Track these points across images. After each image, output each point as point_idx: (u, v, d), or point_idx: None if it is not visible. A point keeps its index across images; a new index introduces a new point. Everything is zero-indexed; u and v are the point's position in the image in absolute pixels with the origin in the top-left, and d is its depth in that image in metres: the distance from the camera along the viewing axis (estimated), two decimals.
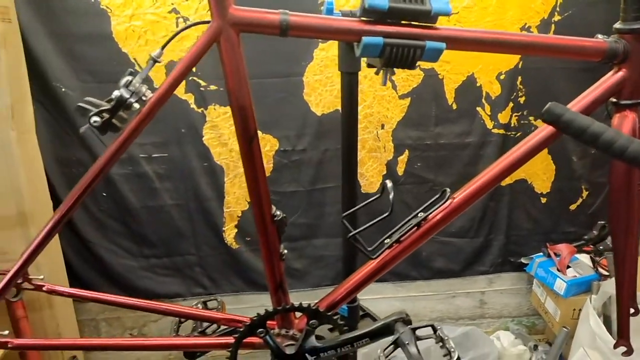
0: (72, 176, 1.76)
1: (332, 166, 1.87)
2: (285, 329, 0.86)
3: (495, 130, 1.86)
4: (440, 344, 0.74)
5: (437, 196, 0.87)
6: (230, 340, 0.83)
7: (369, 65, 0.81)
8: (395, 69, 0.79)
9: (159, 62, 0.77)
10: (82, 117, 0.74)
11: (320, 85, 1.76)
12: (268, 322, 0.82)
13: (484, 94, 1.82)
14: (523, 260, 2.00)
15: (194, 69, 1.56)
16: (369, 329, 0.80)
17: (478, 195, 0.84)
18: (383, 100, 1.79)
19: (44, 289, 1.00)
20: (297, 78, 1.76)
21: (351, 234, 0.82)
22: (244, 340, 0.82)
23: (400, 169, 1.89)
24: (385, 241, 0.84)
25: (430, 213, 0.84)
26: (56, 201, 1.73)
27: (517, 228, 2.00)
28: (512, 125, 1.87)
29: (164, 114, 1.68)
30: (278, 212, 0.82)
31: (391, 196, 0.83)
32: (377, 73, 0.75)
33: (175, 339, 0.91)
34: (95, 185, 0.83)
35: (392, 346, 0.75)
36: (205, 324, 1.02)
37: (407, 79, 1.78)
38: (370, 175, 1.89)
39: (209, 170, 1.83)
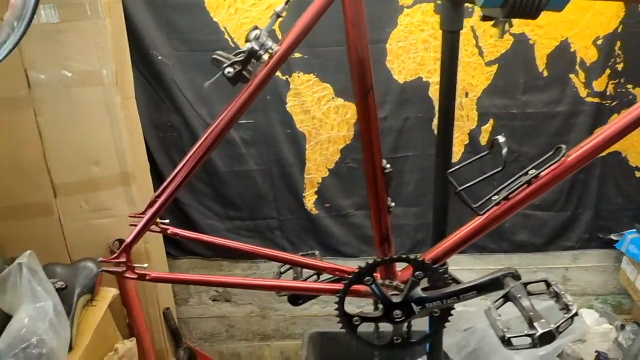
0: (166, 140, 1.88)
1: (412, 134, 1.87)
2: (389, 279, 0.89)
3: (589, 99, 1.76)
4: (555, 299, 0.74)
5: (550, 153, 0.86)
6: (339, 286, 0.87)
7: (484, 18, 0.80)
8: (502, 26, 0.78)
9: (282, 16, 0.80)
10: (216, 68, 0.79)
11: (403, 52, 1.75)
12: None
13: (578, 60, 1.73)
14: (613, 236, 1.91)
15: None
16: (477, 282, 0.82)
17: (594, 154, 0.82)
18: (468, 67, 1.75)
19: (168, 232, 1.09)
20: (381, 45, 1.75)
21: (461, 187, 0.83)
22: (351, 287, 0.86)
23: (484, 139, 1.85)
24: (493, 198, 0.84)
25: (543, 170, 0.82)
26: (152, 163, 1.86)
27: (607, 202, 1.91)
28: (608, 93, 1.77)
29: None
30: (388, 165, 0.84)
31: (504, 151, 0.83)
32: (494, 25, 0.75)
33: (289, 281, 0.96)
34: (223, 137, 0.88)
35: (502, 299, 0.76)
36: (304, 273, 1.07)
37: (495, 44, 1.73)
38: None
39: (292, 137, 1.88)
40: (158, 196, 0.93)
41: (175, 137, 1.88)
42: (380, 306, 0.88)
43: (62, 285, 1.39)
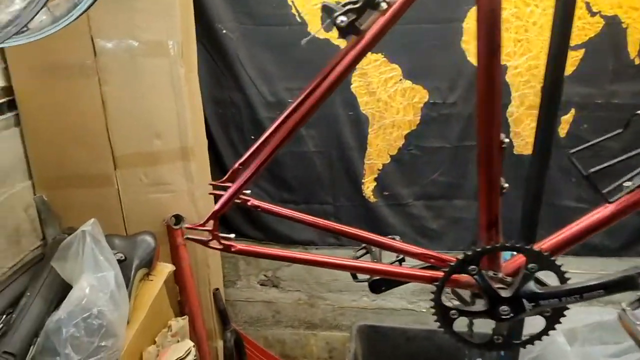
0: (225, 117, 1.83)
1: None
2: (493, 270, 0.80)
3: None
4: None
5: None
6: (437, 274, 0.79)
7: None
8: None
9: None
10: (327, 16, 0.71)
11: None
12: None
13: None
14: None
15: None
16: (607, 279, 0.72)
17: None
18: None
19: (248, 203, 1.04)
20: (456, 24, 1.65)
21: (592, 170, 0.73)
22: (452, 277, 0.78)
23: (563, 130, 1.72)
24: (626, 184, 0.74)
25: None
26: (210, 140, 1.81)
27: None
28: None
29: (310, 56, 1.65)
30: (506, 140, 0.74)
31: None
32: None
33: (383, 265, 0.89)
34: (324, 101, 0.80)
35: (637, 302, 0.66)
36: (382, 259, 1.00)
37: (583, 27, 1.60)
38: (526, 135, 1.74)
39: (354, 119, 1.80)
40: (243, 164, 0.87)
41: (235, 114, 1.82)
42: (482, 300, 0.79)
43: (122, 257, 1.36)
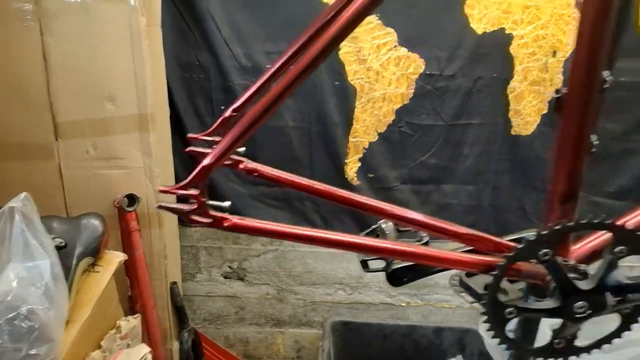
0: (190, 82, 1.57)
1: (481, 99, 1.60)
2: (563, 257, 0.62)
3: None
4: None
5: None
6: (493, 261, 0.60)
7: None
8: None
9: None
10: None
11: None
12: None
13: None
14: None
15: None
16: None
17: None
18: (561, 21, 1.48)
19: (240, 166, 0.81)
20: None
21: None
22: (513, 265, 0.59)
23: None
24: None
25: None
26: (173, 108, 1.55)
27: None
28: None
29: (295, 17, 1.44)
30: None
31: None
32: None
33: (413, 246, 0.68)
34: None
35: None
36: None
37: None
38: (527, 114, 1.59)
39: (340, 91, 1.59)
40: (237, 110, 0.65)
41: (203, 80, 1.56)
42: (550, 294, 0.61)
43: (61, 242, 1.09)
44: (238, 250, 1.83)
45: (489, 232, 0.68)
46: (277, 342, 2.01)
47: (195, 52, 1.53)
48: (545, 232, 0.58)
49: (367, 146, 1.66)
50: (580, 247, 0.64)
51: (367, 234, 0.88)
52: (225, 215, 0.64)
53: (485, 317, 0.63)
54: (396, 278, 0.76)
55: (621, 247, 0.58)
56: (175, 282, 1.65)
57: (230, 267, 1.87)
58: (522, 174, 1.67)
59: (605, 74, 0.57)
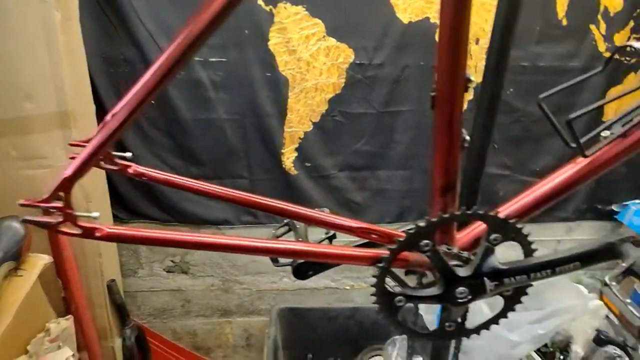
0: (116, 76, 1.53)
1: (409, 86, 1.63)
2: (447, 245, 0.66)
3: (608, 54, 1.60)
4: None
5: None
6: (380, 253, 0.63)
7: None
8: None
9: None
10: None
11: None
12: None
13: (601, 8, 1.54)
14: (614, 207, 1.79)
15: None
16: (584, 249, 0.60)
17: None
18: (482, 9, 1.52)
19: (129, 170, 0.79)
20: None
21: (574, 115, 0.60)
22: (399, 255, 0.62)
23: None
24: (603, 134, 0.62)
25: None
26: (99, 104, 1.51)
27: (610, 171, 1.77)
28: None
29: None
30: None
31: None
32: None
33: (304, 244, 0.70)
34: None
35: (623, 274, 0.54)
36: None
37: None
38: None
39: (272, 81, 1.59)
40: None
41: (128, 74, 1.53)
42: (433, 282, 0.65)
43: None
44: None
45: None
46: (226, 331, 2.03)
47: (120, 47, 1.49)
48: (423, 224, 0.61)
49: (302, 136, 1.68)
50: (464, 235, 0.68)
51: (280, 228, 0.90)
52: (96, 224, 0.63)
53: (378, 306, 0.66)
54: (302, 272, 0.79)
55: (495, 235, 0.62)
56: (113, 280, 1.63)
57: (172, 261, 1.86)
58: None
59: (468, 74, 0.59)
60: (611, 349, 1.70)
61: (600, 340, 1.47)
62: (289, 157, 1.70)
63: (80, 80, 1.42)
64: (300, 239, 0.83)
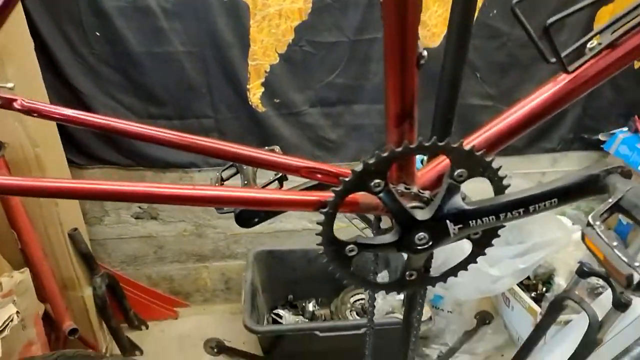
0: (56, 7, 1.38)
1: None
2: (405, 184, 0.56)
3: None
4: None
5: None
6: (325, 196, 0.53)
7: None
8: None
9: None
10: None
11: None
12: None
13: None
14: (601, 136, 1.70)
15: None
16: (562, 184, 0.51)
17: None
18: None
19: (15, 104, 0.67)
20: None
21: (552, 19, 0.48)
22: (346, 198, 0.53)
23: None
24: (589, 46, 0.51)
25: None
26: (39, 38, 1.35)
27: (597, 98, 1.67)
28: None
29: None
30: None
31: None
32: None
33: (244, 190, 0.60)
34: None
35: (609, 210, 0.46)
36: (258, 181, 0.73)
37: None
38: (433, 25, 1.50)
39: (230, 8, 1.43)
40: None
41: (70, 4, 1.37)
42: (391, 227, 0.56)
43: None
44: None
45: None
46: (203, 276, 1.99)
47: None
48: (371, 160, 0.51)
49: (268, 69, 1.54)
50: (426, 171, 0.59)
51: (225, 170, 0.80)
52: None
53: (326, 257, 0.58)
54: (245, 219, 0.70)
55: (460, 171, 0.52)
56: (76, 229, 1.54)
57: (140, 207, 1.77)
58: (433, 88, 1.61)
59: None
60: (594, 280, 1.68)
61: (583, 272, 1.42)
62: (255, 93, 1.57)
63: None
64: (246, 182, 0.73)
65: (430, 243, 0.55)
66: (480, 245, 0.61)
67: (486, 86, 1.65)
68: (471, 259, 0.62)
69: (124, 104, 1.53)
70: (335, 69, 1.57)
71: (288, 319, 1.80)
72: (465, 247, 0.61)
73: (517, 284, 1.74)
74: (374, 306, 0.79)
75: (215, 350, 1.78)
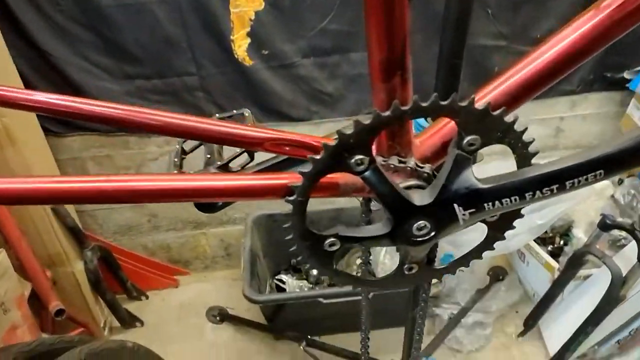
0: None
1: None
2: (399, 156, 0.43)
3: None
4: None
5: None
6: (293, 179, 0.41)
7: None
8: None
9: None
10: None
11: None
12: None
13: None
14: (626, 74, 1.53)
15: None
16: (610, 150, 0.37)
17: None
18: None
19: None
20: None
21: None
22: (319, 181, 0.40)
23: None
24: None
25: None
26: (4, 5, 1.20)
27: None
28: None
29: None
30: None
31: None
32: None
33: (189, 178, 0.47)
34: None
35: None
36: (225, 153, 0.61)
37: None
38: None
39: None
40: None
41: None
42: (383, 214, 0.43)
43: None
44: (131, 155, 1.61)
45: None
46: (202, 243, 1.91)
47: None
48: (349, 131, 0.38)
49: (253, 17, 1.38)
50: (426, 138, 0.46)
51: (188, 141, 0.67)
52: None
53: (302, 255, 0.46)
54: (205, 205, 0.58)
55: (471, 137, 0.39)
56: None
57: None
58: (436, 32, 1.44)
59: None
60: (616, 232, 1.56)
61: (605, 225, 1.30)
62: (240, 45, 1.41)
63: None
64: (209, 156, 0.61)
65: (433, 233, 0.43)
66: (499, 229, 0.48)
67: (498, 24, 1.47)
68: (487, 245, 0.50)
69: (98, 65, 1.40)
70: (327, 14, 1.40)
71: (292, 284, 1.73)
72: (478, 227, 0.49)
73: None
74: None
75: (218, 318, 1.72)
